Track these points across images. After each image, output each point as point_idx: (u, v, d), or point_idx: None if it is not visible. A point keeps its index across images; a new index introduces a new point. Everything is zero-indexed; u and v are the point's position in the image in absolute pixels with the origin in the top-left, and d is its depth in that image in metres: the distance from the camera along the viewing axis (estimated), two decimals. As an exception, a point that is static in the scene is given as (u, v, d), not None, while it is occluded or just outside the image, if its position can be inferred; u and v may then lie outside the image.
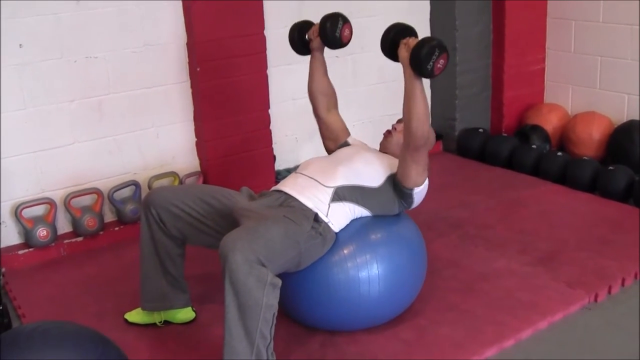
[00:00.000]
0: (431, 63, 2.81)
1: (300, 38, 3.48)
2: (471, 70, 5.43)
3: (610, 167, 4.62)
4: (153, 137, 4.42)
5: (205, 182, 4.52)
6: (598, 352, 3.05)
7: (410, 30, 3.02)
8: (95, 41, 4.09)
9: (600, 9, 5.17)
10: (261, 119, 4.64)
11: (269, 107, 4.66)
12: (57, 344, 2.35)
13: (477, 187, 4.89)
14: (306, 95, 4.94)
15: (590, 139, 5.18)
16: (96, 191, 4.21)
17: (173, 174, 4.46)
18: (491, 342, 3.07)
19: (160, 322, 3.29)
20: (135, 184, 4.33)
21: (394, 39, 3.01)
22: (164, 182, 4.43)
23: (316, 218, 2.91)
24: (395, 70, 5.30)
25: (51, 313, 3.42)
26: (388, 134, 3.38)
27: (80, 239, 4.18)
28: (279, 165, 4.89)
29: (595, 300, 3.42)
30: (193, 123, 4.54)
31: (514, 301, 3.38)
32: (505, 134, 5.46)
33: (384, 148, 3.39)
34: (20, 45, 3.88)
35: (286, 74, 4.81)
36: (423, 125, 2.93)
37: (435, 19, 5.43)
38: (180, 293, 3.26)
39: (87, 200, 4.21)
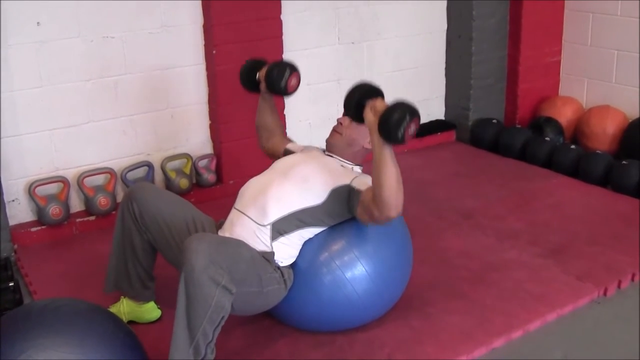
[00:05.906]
0: (402, 130, 2.54)
1: (250, 78, 3.35)
2: (487, 61, 5.41)
3: (624, 162, 4.60)
4: (167, 118, 4.43)
5: (218, 164, 4.56)
6: (606, 346, 3.05)
7: (377, 91, 2.77)
8: (112, 21, 4.10)
9: (618, 2, 5.14)
10: (275, 103, 4.62)
11: (283, 92, 4.65)
12: (68, 321, 2.38)
13: (490, 177, 4.87)
14: (321, 81, 4.95)
15: (604, 133, 5.17)
16: (109, 171, 4.23)
17: (186, 155, 4.48)
18: (499, 333, 3.08)
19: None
20: (149, 164, 4.35)
21: (359, 101, 2.73)
22: (177, 163, 4.45)
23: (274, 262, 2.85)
24: (412, 58, 5.35)
25: (62, 290, 3.45)
26: (335, 132, 3.11)
27: (92, 217, 4.20)
28: (292, 150, 4.88)
29: (605, 294, 3.42)
30: (207, 106, 4.55)
31: (523, 292, 3.39)
32: (519, 126, 5.43)
33: (330, 147, 3.13)
34: (38, 23, 3.89)
35: (302, 59, 4.79)
36: (397, 194, 2.64)
37: (452, 8, 5.41)
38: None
39: (100, 179, 4.23)
